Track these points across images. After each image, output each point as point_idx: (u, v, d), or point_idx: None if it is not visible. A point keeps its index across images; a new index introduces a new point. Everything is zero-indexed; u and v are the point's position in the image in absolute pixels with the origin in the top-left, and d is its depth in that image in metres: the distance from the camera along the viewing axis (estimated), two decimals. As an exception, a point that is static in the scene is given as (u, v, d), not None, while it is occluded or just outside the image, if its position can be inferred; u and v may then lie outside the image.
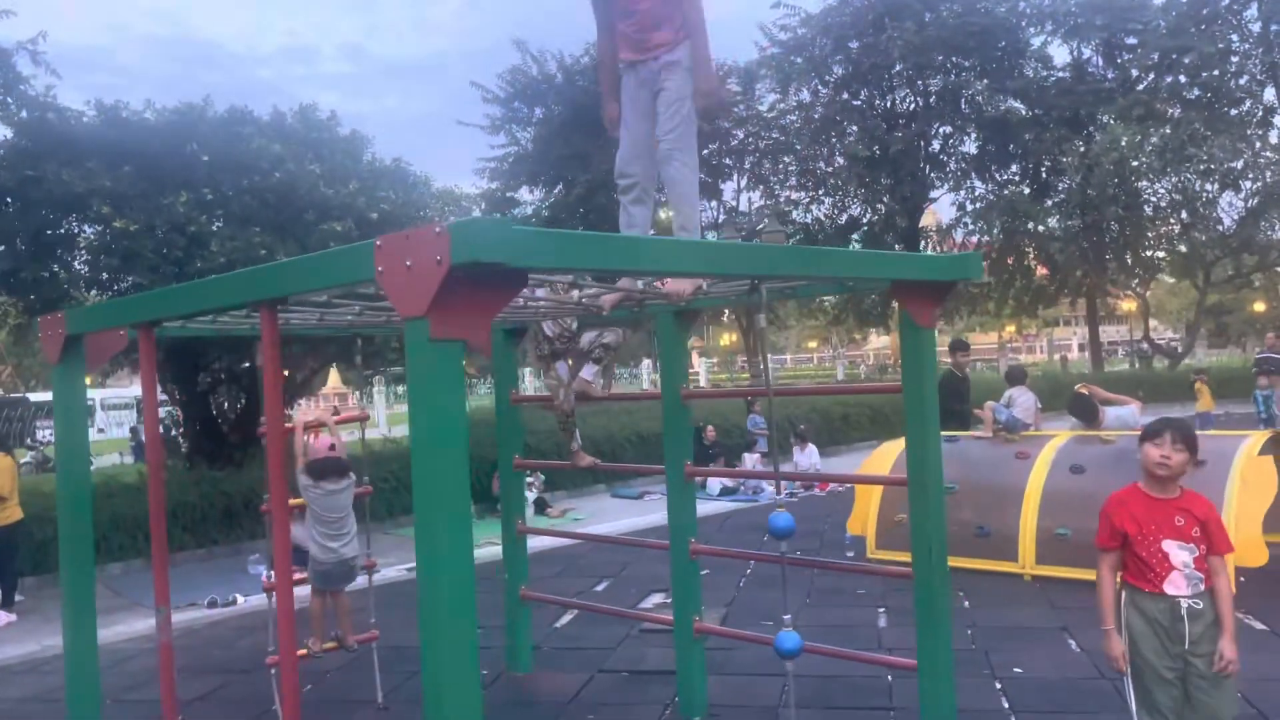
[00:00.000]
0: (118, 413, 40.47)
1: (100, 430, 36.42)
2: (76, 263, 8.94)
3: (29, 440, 27.43)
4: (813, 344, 70.64)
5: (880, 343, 62.72)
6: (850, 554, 8.71)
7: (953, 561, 7.94)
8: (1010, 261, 28.57)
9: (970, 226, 27.76)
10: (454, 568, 2.43)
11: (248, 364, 11.87)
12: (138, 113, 9.87)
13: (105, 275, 9.53)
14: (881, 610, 7.04)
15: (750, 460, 13.56)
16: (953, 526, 8.00)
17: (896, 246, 28.13)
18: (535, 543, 9.79)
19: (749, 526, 10.49)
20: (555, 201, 25.86)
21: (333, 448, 5.15)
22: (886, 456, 8.84)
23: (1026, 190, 26.89)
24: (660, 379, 5.00)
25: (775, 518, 3.29)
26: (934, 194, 28.34)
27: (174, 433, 12.27)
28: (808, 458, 13.23)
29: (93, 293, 10.10)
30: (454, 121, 26.81)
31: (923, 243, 28.28)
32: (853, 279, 3.95)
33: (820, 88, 27.53)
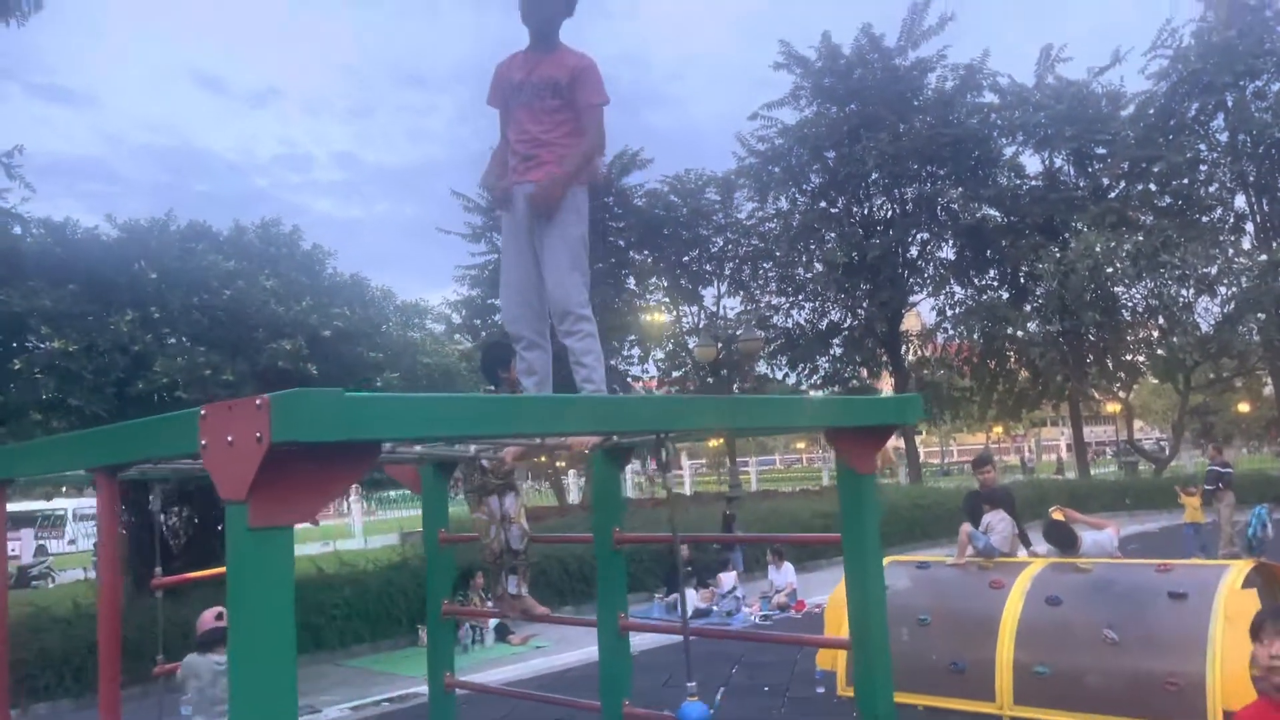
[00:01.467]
0: (88, 523, 39.56)
1: (71, 542, 35.51)
2: (14, 387, 8.60)
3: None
4: (801, 445, 70.14)
5: (868, 445, 62.30)
6: (820, 689, 8.22)
7: (927, 701, 7.51)
8: (992, 365, 28.51)
9: (950, 331, 27.77)
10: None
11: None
12: (89, 230, 9.69)
13: (44, 397, 9.18)
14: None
15: (727, 579, 13.07)
16: (926, 661, 7.56)
17: (878, 351, 28.12)
18: (488, 674, 9.31)
19: (720, 656, 9.97)
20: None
21: (220, 617, 4.74)
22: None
23: (1005, 295, 26.98)
24: (592, 521, 4.65)
25: (687, 709, 2.91)
26: (913, 299, 28.42)
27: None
28: (784, 576, 12.75)
29: (34, 414, 9.76)
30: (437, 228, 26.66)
31: (904, 346, 28.24)
32: (778, 429, 3.64)
33: (798, 196, 27.86)
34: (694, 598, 12.31)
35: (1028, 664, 7.02)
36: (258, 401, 2.02)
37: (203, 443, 2.16)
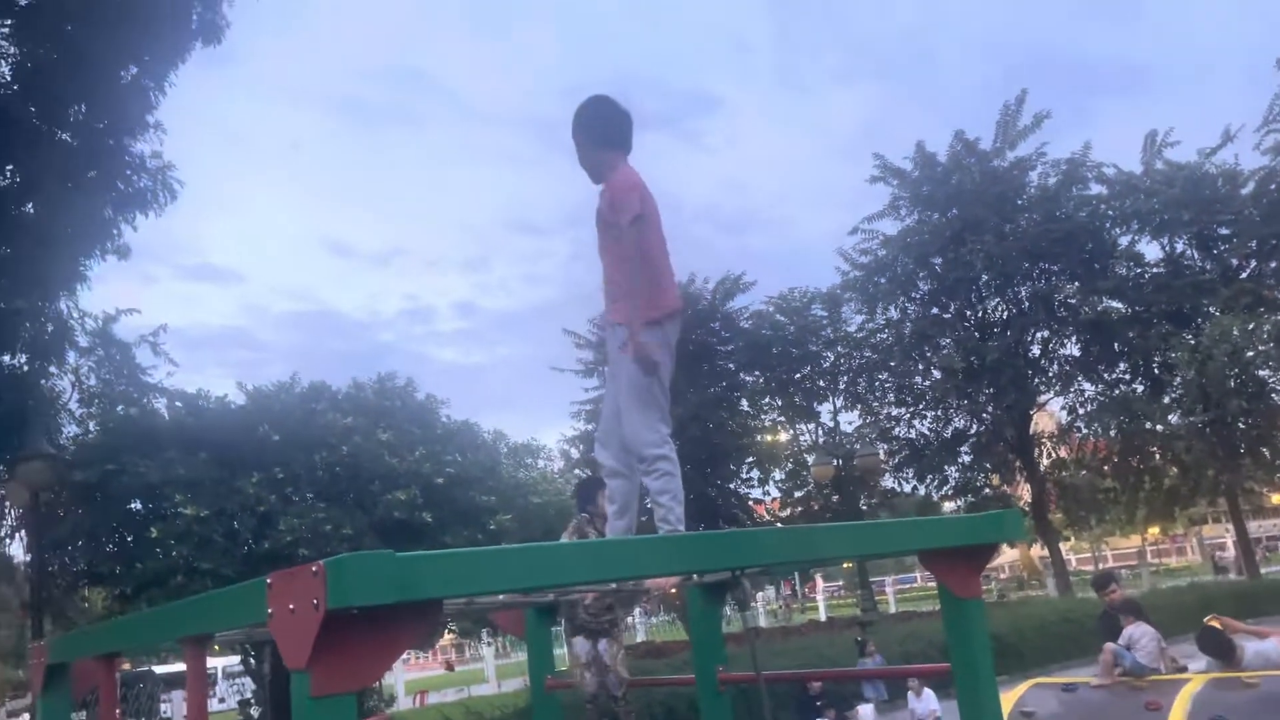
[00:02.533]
0: (240, 680, 40.61)
1: (221, 700, 36.39)
2: (148, 556, 9.03)
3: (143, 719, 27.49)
4: (941, 560, 66.99)
5: (1014, 554, 59.33)
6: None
7: (1086, 842, 6.87)
8: (1135, 462, 26.97)
9: (1084, 430, 26.53)
10: None
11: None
12: (219, 399, 10.28)
13: (182, 562, 9.61)
14: None
15: (865, 712, 12.43)
16: (1083, 795, 6.96)
17: (1010, 456, 27.02)
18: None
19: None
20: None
21: None
22: (998, 710, 7.89)
23: (1140, 388, 25.75)
24: (693, 661, 4.50)
25: None
26: (1041, 399, 27.38)
27: (251, 710, 12.01)
28: (925, 704, 12.04)
29: (179, 578, 10.20)
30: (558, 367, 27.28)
31: (1037, 449, 27.06)
32: (859, 557, 3.50)
33: (908, 304, 27.53)
34: (830, 732, 11.72)
35: (1198, 795, 6.38)
36: (314, 569, 2.06)
37: (269, 611, 2.20)
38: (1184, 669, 7.78)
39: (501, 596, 3.54)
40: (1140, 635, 7.34)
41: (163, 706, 28.82)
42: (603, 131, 3.44)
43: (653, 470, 3.40)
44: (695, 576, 3.44)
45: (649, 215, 3.33)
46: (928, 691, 12.16)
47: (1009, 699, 7.97)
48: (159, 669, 31.56)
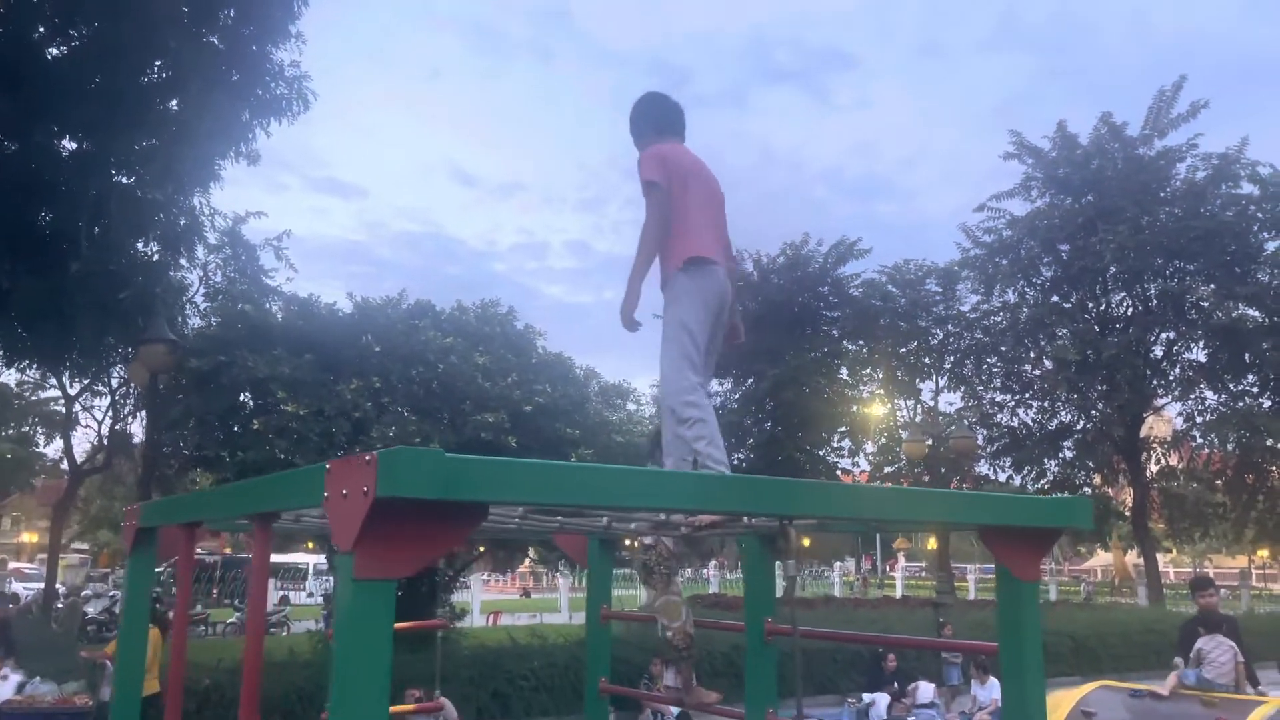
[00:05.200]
0: (327, 578, 42.52)
1: (310, 595, 38.20)
2: (250, 446, 9.49)
3: (237, 601, 29.14)
4: (1031, 555, 65.29)
5: (1108, 559, 57.47)
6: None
7: None
8: (1250, 479, 25.70)
9: (1200, 439, 25.37)
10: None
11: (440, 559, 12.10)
12: (329, 305, 10.65)
13: (282, 456, 10.06)
14: None
15: (925, 690, 12.31)
16: (1135, 804, 6.79)
17: (1115, 457, 26.06)
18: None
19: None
20: (744, 394, 25.84)
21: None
22: (1059, 705, 7.73)
23: (1266, 403, 24.41)
24: (745, 607, 4.54)
25: None
26: (1157, 402, 26.23)
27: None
28: (988, 692, 11.86)
29: (276, 471, 10.73)
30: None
31: (1145, 454, 26.02)
32: (915, 524, 3.43)
33: (1027, 289, 26.59)
34: (884, 706, 11.68)
35: (1257, 820, 6.17)
36: (367, 458, 2.16)
37: (325, 495, 2.32)
38: (1264, 694, 7.48)
39: (560, 519, 3.63)
40: (1213, 649, 7.06)
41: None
42: (640, 124, 3.92)
43: (684, 419, 3.51)
44: (747, 519, 3.45)
45: (673, 181, 3.61)
46: (992, 680, 11.98)
47: (1074, 696, 7.80)
48: (258, 557, 33.25)
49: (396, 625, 6.03)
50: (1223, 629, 7.29)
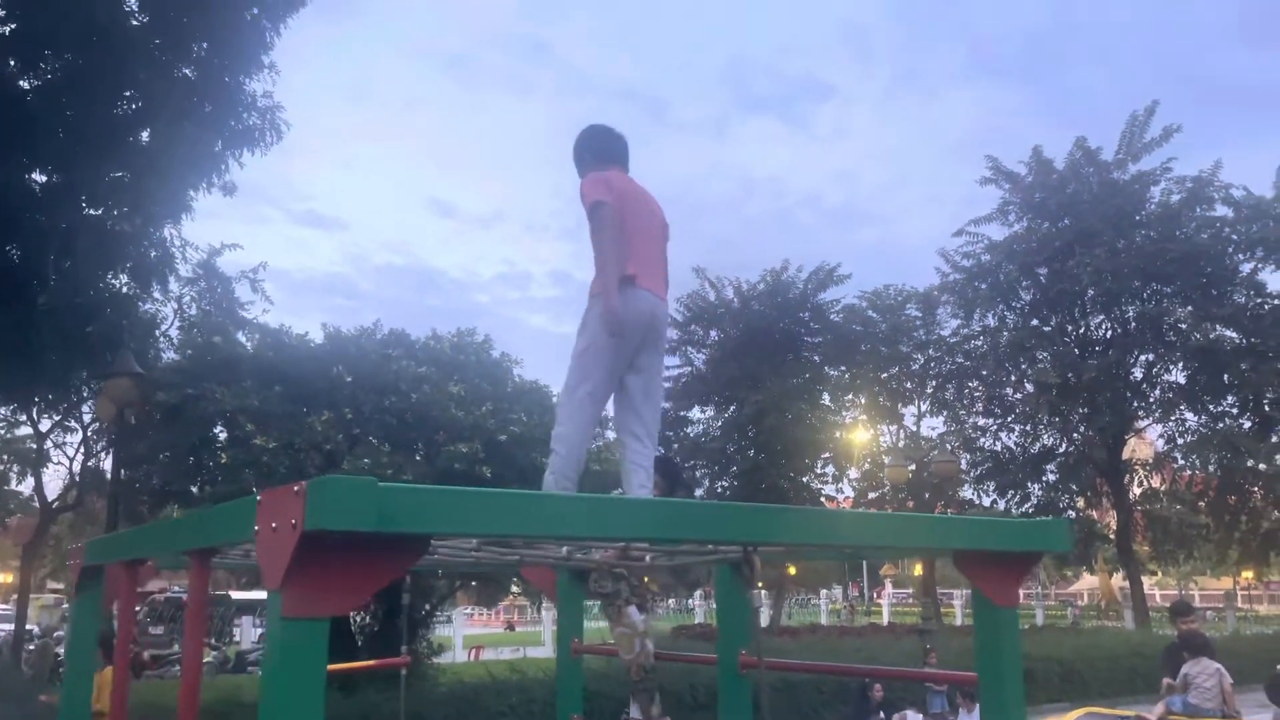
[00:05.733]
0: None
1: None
2: (220, 479, 9.30)
3: (214, 640, 28.62)
4: (1017, 580, 65.13)
5: (1094, 582, 57.39)
6: None
7: None
8: (1233, 501, 25.72)
9: (1181, 461, 25.39)
10: None
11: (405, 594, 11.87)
12: (299, 336, 10.50)
13: (255, 490, 9.86)
14: None
15: (910, 717, 12.12)
16: (1124, 833, 6.65)
17: (1097, 480, 26.05)
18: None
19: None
20: (726, 421, 25.74)
21: None
22: (1045, 735, 7.60)
23: (1246, 424, 24.49)
24: (718, 638, 4.40)
25: None
26: (1138, 424, 26.28)
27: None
28: (975, 719, 11.70)
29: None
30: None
31: (1127, 477, 26.02)
32: (887, 550, 3.31)
33: (1007, 313, 26.68)
34: (871, 736, 11.49)
35: None
36: (295, 488, 2.02)
37: (256, 528, 2.18)
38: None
39: (519, 552, 3.49)
40: (1199, 673, 6.96)
41: (235, 630, 29.98)
42: (582, 154, 4.04)
43: (551, 450, 3.71)
44: (712, 548, 3.33)
45: (609, 206, 3.65)
46: (978, 708, 11.81)
47: (1060, 724, 7.68)
48: (235, 594, 32.86)
49: (357, 664, 5.87)
50: (1207, 652, 7.19)
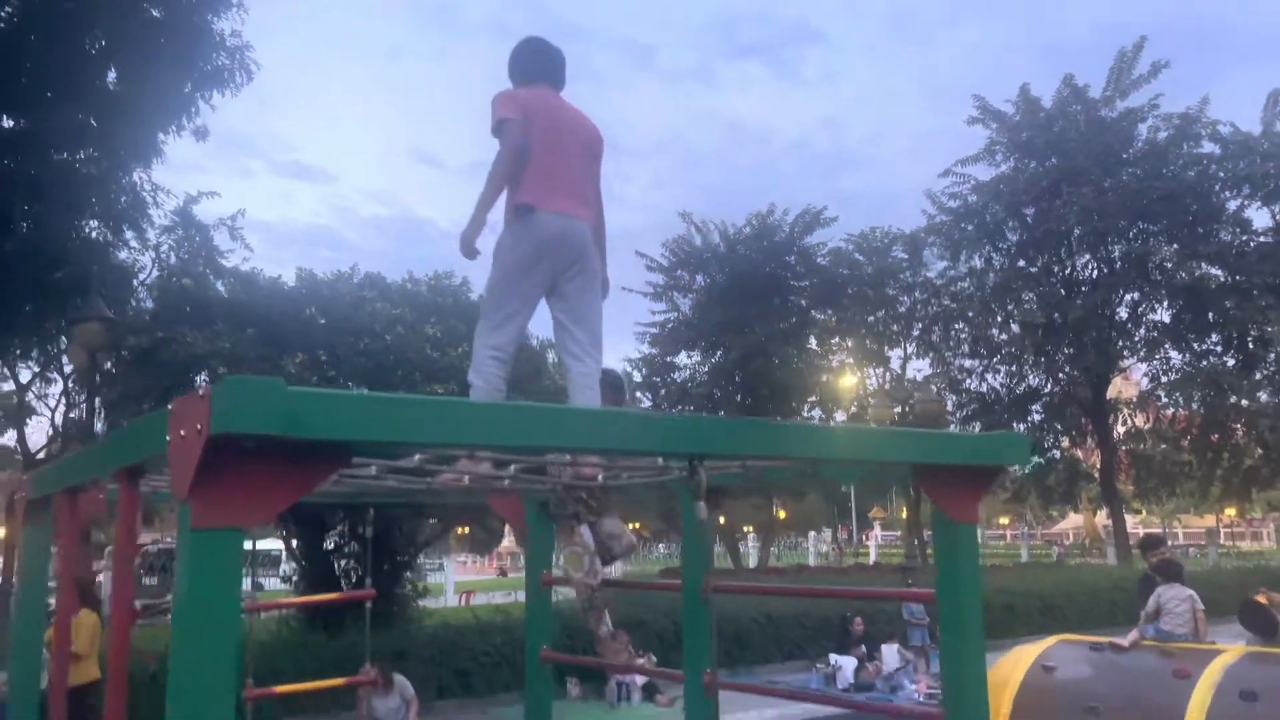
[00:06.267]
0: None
1: (284, 579, 37.72)
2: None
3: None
4: (1004, 520, 66.01)
5: (1079, 521, 57.91)
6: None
7: (1093, 803, 6.64)
8: (1215, 438, 25.86)
9: (1165, 399, 25.50)
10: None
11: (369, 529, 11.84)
12: (271, 279, 10.35)
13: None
14: None
15: (889, 652, 12.24)
16: (1095, 756, 6.70)
17: (1082, 420, 26.16)
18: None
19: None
20: (713, 366, 25.70)
21: None
22: (1020, 660, 7.64)
23: (1230, 361, 24.54)
24: (682, 562, 4.37)
25: None
26: (1122, 364, 26.32)
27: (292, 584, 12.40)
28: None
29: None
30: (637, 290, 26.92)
31: (1111, 416, 26.13)
32: (843, 463, 3.24)
33: (993, 254, 26.55)
34: (850, 670, 11.61)
35: (1216, 768, 6.09)
36: (202, 391, 1.94)
37: (168, 438, 2.10)
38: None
39: (468, 479, 3.42)
40: (1171, 598, 6.99)
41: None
42: (512, 70, 3.94)
43: (469, 384, 3.76)
44: (663, 462, 3.27)
45: (512, 123, 3.58)
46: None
47: (1034, 651, 7.72)
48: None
49: (323, 596, 5.92)
50: (1179, 579, 7.22)
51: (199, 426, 1.91)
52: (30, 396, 21.30)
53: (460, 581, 29.43)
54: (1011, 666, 7.53)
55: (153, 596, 26.49)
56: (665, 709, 10.77)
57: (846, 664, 11.65)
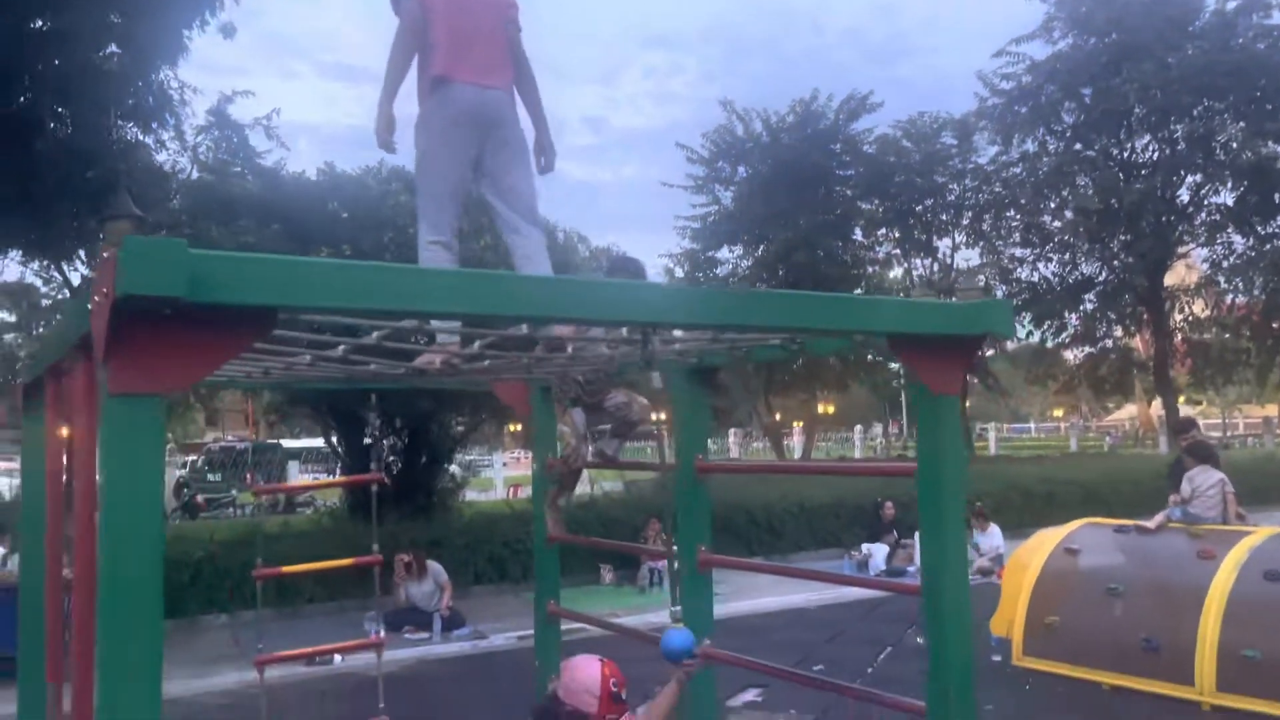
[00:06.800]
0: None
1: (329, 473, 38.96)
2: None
3: (264, 483, 29.75)
4: (1058, 412, 65.27)
5: (1133, 411, 57.03)
6: (997, 657, 7.50)
7: (1114, 679, 6.65)
8: (1276, 326, 25.09)
9: (1225, 286, 24.71)
10: (138, 680, 1.95)
11: (405, 420, 12.05)
12: (295, 175, 10.32)
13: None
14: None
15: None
16: (1113, 636, 6.69)
17: (1138, 308, 25.50)
18: (658, 616, 9.24)
19: (900, 616, 9.36)
20: (755, 261, 25.37)
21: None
22: (1044, 544, 7.61)
23: (1295, 245, 23.62)
24: (675, 445, 4.34)
25: (671, 637, 2.61)
26: (1181, 249, 25.45)
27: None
28: (989, 539, 11.82)
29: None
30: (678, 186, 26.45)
31: (1168, 304, 25.42)
32: (799, 329, 3.13)
33: (1048, 138, 25.56)
34: (881, 557, 11.69)
35: (1236, 646, 6.05)
36: (105, 253, 1.90)
37: (93, 300, 2.07)
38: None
39: (439, 361, 3.39)
40: (1202, 482, 6.85)
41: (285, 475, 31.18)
42: None
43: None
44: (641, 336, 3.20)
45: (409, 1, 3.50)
46: (993, 527, 11.93)
47: (1059, 535, 7.67)
48: (286, 443, 34.02)
49: (326, 481, 5.96)
50: (1211, 461, 7.07)
51: (105, 290, 1.88)
52: (83, 300, 21.83)
53: (510, 476, 30.07)
54: (1034, 550, 7.51)
55: (216, 491, 27.62)
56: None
57: (878, 551, 11.73)
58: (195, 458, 32.33)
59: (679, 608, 2.75)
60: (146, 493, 1.97)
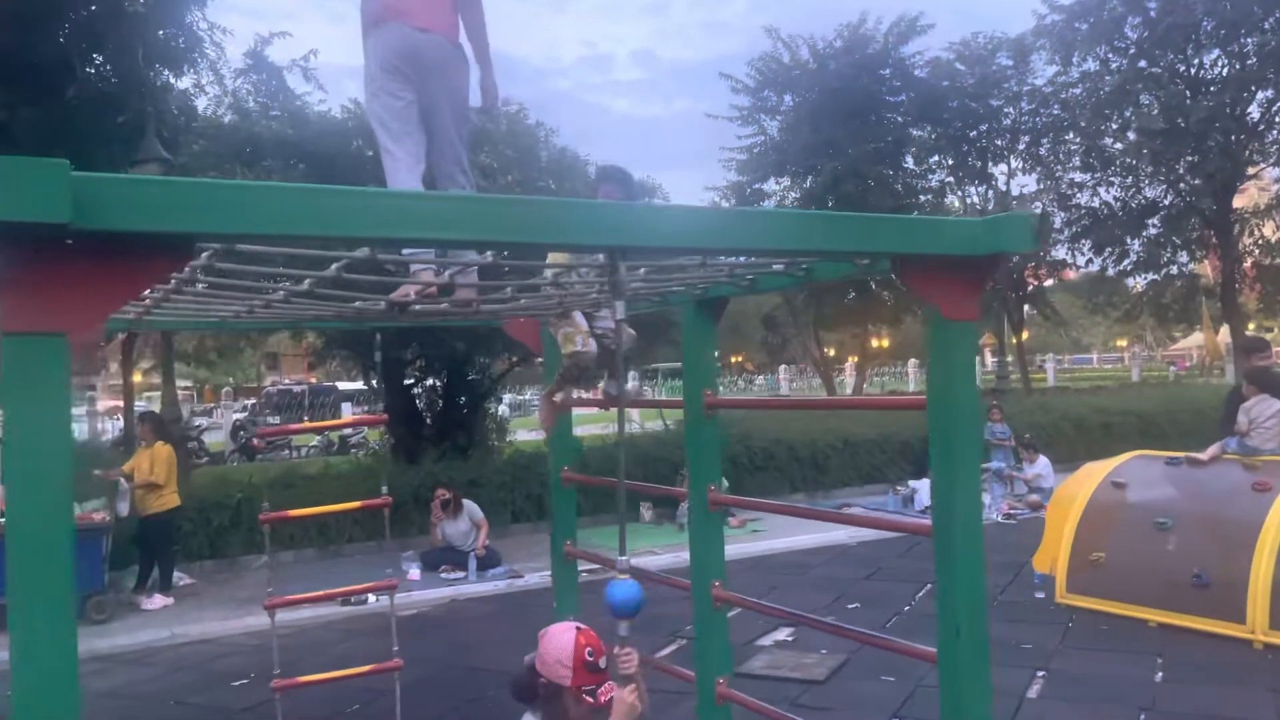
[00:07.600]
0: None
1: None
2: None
3: (319, 424, 30.29)
4: (1122, 342, 63.62)
5: (1200, 339, 55.23)
6: (1040, 594, 7.27)
7: (1162, 617, 6.38)
8: (1353, 247, 23.96)
9: (1295, 207, 23.60)
10: (51, 628, 1.83)
11: (442, 362, 11.97)
12: (319, 113, 10.16)
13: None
14: (1041, 675, 5.69)
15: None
16: (1162, 571, 6.41)
17: (1205, 232, 24.47)
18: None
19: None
20: (804, 193, 24.75)
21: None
22: (1090, 478, 7.31)
23: (1375, 162, 22.39)
24: (684, 379, 4.16)
25: (614, 588, 2.44)
26: (1251, 169, 24.27)
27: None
28: (1034, 469, 11.49)
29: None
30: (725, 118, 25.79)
31: (1236, 227, 24.33)
32: (785, 252, 2.87)
33: (1110, 55, 24.37)
34: (925, 493, 11.43)
35: (1292, 584, 5.75)
36: (-9, 177, 1.73)
37: None
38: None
39: (414, 293, 3.23)
40: (1262, 411, 6.48)
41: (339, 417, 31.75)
42: None
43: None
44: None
45: None
46: (1041, 459, 11.60)
47: (1107, 468, 7.36)
48: (341, 385, 34.54)
49: (336, 422, 5.89)
50: (1272, 390, 6.67)
51: (-4, 215, 1.71)
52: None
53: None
54: (1080, 483, 7.22)
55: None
56: (735, 529, 10.85)
57: (922, 487, 11.47)
58: (253, 400, 32.88)
59: (627, 558, 2.56)
60: (50, 439, 1.83)
